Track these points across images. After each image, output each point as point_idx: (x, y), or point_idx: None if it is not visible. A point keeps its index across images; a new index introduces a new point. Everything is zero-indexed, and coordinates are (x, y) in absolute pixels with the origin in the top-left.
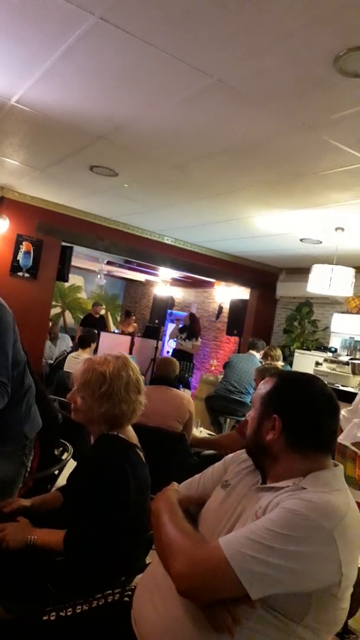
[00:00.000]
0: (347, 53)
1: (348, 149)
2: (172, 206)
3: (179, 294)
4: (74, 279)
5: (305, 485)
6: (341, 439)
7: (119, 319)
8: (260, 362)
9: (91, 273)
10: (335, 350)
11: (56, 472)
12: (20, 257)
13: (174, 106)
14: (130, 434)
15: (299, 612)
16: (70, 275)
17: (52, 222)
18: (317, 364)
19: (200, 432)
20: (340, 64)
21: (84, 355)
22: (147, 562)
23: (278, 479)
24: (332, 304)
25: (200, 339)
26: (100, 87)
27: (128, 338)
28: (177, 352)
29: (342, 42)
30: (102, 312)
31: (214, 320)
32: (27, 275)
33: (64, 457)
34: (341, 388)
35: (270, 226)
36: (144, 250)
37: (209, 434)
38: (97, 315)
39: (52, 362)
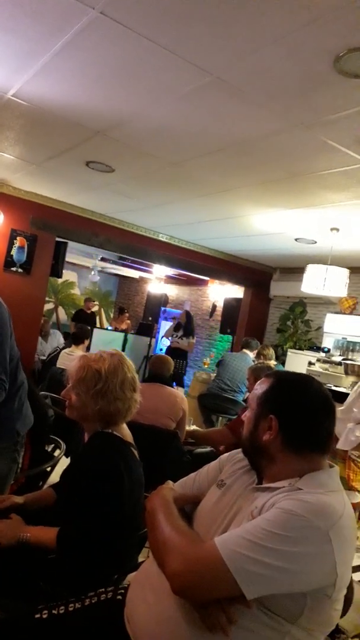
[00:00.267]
0: (347, 53)
1: (345, 150)
2: (168, 203)
3: (172, 291)
4: (68, 275)
5: (301, 486)
6: (340, 445)
7: (112, 315)
8: (253, 361)
9: (85, 269)
10: (328, 350)
11: (48, 469)
12: (14, 252)
13: (173, 103)
14: (125, 432)
15: (293, 613)
16: (63, 271)
17: (46, 218)
18: (310, 363)
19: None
20: (341, 65)
21: (77, 351)
22: (140, 560)
23: (274, 479)
24: (326, 304)
25: (195, 337)
26: (99, 82)
27: (121, 335)
28: (172, 350)
29: (342, 42)
30: (95, 308)
31: (207, 318)
32: (20, 270)
33: (56, 453)
34: (334, 388)
35: (266, 225)
36: (139, 247)
37: None
38: (89, 311)
39: (44, 358)
